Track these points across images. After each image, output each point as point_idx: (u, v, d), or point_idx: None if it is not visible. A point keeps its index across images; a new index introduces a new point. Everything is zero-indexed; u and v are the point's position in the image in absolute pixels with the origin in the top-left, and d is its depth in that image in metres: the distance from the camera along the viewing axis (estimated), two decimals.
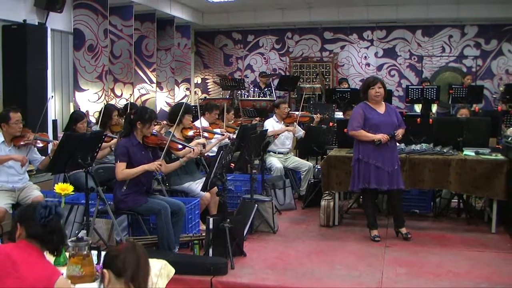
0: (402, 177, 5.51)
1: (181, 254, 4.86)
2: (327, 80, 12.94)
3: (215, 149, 6.32)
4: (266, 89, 11.81)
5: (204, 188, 4.93)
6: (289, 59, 13.55)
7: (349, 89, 10.25)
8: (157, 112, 10.85)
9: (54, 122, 8.14)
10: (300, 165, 7.49)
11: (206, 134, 6.35)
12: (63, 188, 4.07)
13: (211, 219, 4.80)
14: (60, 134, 6.43)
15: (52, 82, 8.26)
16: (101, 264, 2.60)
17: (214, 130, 6.80)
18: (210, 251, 4.71)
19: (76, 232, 4.73)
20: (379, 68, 13.01)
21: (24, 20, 7.31)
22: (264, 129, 7.26)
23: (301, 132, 7.87)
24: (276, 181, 6.95)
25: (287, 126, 7.70)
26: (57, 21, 8.21)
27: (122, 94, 10.00)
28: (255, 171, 6.37)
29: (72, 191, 4.17)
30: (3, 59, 7.24)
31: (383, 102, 5.57)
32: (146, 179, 4.97)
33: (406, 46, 12.79)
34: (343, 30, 13.18)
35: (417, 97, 9.36)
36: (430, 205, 6.65)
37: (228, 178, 5.73)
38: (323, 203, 6.09)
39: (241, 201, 5.90)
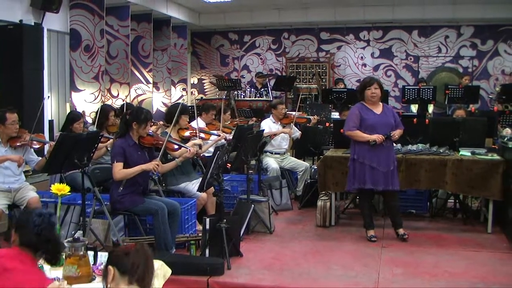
0: (399, 178, 5.51)
1: (178, 254, 4.85)
2: (324, 80, 12.96)
3: (211, 149, 6.31)
4: (262, 89, 11.82)
5: (200, 189, 4.92)
6: (285, 59, 13.57)
7: (346, 90, 10.27)
8: (154, 112, 10.88)
9: (51, 122, 8.13)
10: (297, 166, 7.50)
11: (202, 134, 6.35)
12: (60, 188, 4.06)
13: (207, 220, 4.80)
14: (57, 135, 6.42)
15: (49, 83, 8.25)
16: (103, 262, 2.61)
17: (211, 131, 6.80)
18: (207, 251, 4.71)
19: (73, 232, 4.73)
20: (376, 68, 13.04)
21: (20, 20, 7.30)
22: (260, 129, 7.26)
23: (297, 133, 7.87)
24: (272, 182, 6.95)
25: (284, 127, 7.71)
26: (54, 21, 8.20)
27: (118, 94, 9.99)
28: (251, 171, 6.37)
29: (69, 192, 4.16)
30: None
31: (380, 103, 5.56)
32: (142, 180, 4.97)
33: (403, 46, 12.83)
34: (340, 31, 13.21)
35: (413, 97, 9.37)
36: (426, 205, 6.66)
37: (224, 178, 5.73)
38: (319, 203, 6.09)
39: (238, 202, 5.90)
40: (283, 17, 12.90)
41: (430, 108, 10.42)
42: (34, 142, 5.27)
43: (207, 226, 4.75)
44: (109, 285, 2.38)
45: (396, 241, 5.46)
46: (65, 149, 4.54)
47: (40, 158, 5.39)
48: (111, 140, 5.92)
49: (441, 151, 5.90)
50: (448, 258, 4.92)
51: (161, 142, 5.07)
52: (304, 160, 7.85)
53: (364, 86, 5.50)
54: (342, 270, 4.63)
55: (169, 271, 3.43)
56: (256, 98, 11.45)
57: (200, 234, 5.02)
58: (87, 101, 8.82)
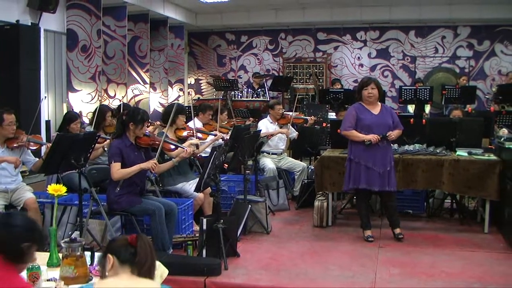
0: (396, 178, 5.51)
1: (175, 255, 4.85)
2: (321, 80, 12.96)
3: (208, 149, 6.31)
4: (259, 89, 11.82)
5: (197, 189, 4.92)
6: (282, 59, 13.57)
7: (342, 90, 10.28)
8: (151, 112, 10.88)
9: (47, 122, 8.12)
10: (294, 166, 7.50)
11: (199, 134, 6.35)
12: (56, 189, 4.04)
13: (204, 220, 4.80)
14: (54, 135, 6.41)
15: (45, 83, 8.24)
16: (98, 257, 2.58)
17: (208, 131, 6.81)
18: (204, 252, 4.71)
19: (70, 233, 4.71)
20: (372, 68, 13.06)
21: (17, 21, 7.29)
22: (257, 129, 7.27)
23: (294, 134, 7.87)
24: (269, 182, 6.95)
25: (281, 127, 7.71)
26: (50, 22, 8.19)
27: (115, 94, 9.98)
28: (248, 171, 6.37)
29: (65, 192, 4.14)
30: None
31: (378, 103, 5.55)
32: (140, 180, 4.97)
33: (399, 46, 12.85)
34: (337, 31, 13.22)
35: (410, 97, 9.38)
36: (423, 205, 6.67)
37: (221, 178, 5.72)
38: (316, 203, 6.10)
39: (235, 202, 5.89)
40: (280, 17, 12.91)
41: (427, 109, 10.44)
42: (31, 143, 5.26)
43: (204, 227, 4.75)
44: (107, 273, 2.38)
45: (393, 241, 5.47)
46: (62, 150, 4.54)
47: (37, 159, 5.38)
48: (108, 141, 5.91)
49: (438, 151, 5.91)
50: (445, 258, 4.93)
51: (157, 143, 5.06)
52: (301, 161, 7.86)
53: (362, 86, 5.50)
54: (339, 270, 4.63)
55: (166, 271, 3.42)
56: (253, 99, 11.44)
57: (197, 235, 5.02)
58: (84, 101, 8.81)
